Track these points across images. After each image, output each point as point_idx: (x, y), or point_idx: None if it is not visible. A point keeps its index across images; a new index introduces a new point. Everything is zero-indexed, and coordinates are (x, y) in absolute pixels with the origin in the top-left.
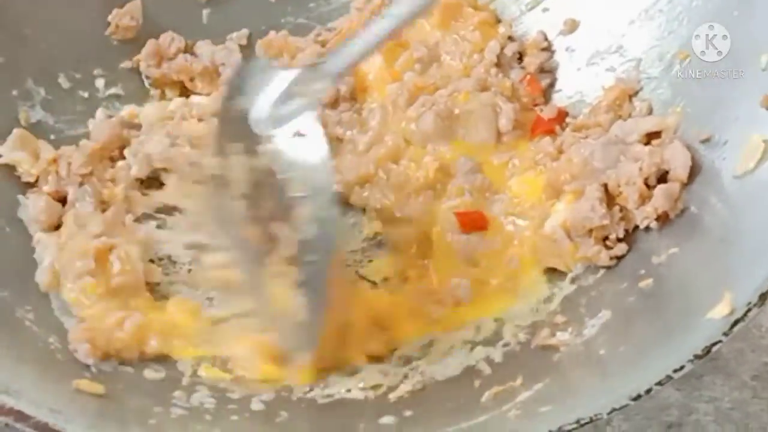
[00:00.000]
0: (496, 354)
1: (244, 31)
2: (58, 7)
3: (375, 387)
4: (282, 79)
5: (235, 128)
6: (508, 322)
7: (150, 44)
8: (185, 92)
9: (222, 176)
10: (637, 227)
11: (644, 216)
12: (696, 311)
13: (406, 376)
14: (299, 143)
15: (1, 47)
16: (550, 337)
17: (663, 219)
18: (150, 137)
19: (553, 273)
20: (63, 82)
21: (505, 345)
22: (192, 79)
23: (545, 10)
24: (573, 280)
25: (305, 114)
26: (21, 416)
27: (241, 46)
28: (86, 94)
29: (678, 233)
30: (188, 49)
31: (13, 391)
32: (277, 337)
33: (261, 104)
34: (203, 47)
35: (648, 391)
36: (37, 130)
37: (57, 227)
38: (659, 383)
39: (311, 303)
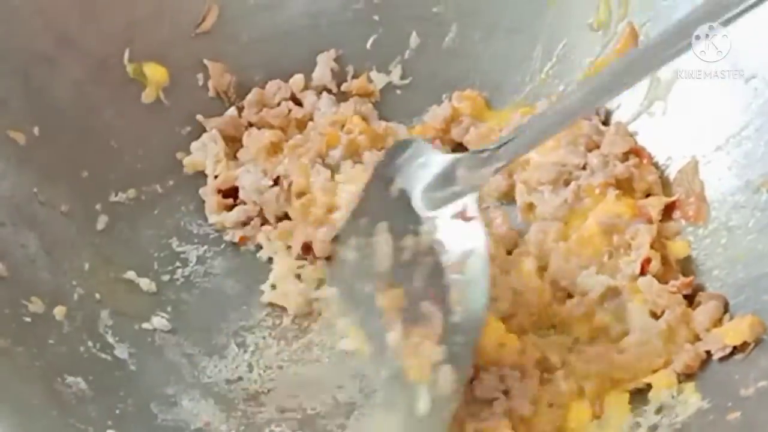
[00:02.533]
0: None
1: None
2: (144, 120)
3: None
4: (443, 161)
5: (388, 205)
6: None
7: (255, 92)
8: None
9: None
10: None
11: (717, 347)
12: None
13: None
14: (459, 226)
15: (87, 160)
16: None
17: (744, 349)
18: None
19: (637, 398)
20: (143, 195)
21: None
22: (286, 127)
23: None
24: (658, 410)
25: (467, 197)
26: None
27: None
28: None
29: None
30: (292, 97)
31: None
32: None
33: (421, 184)
34: (310, 96)
35: None
36: (116, 241)
37: None
38: None
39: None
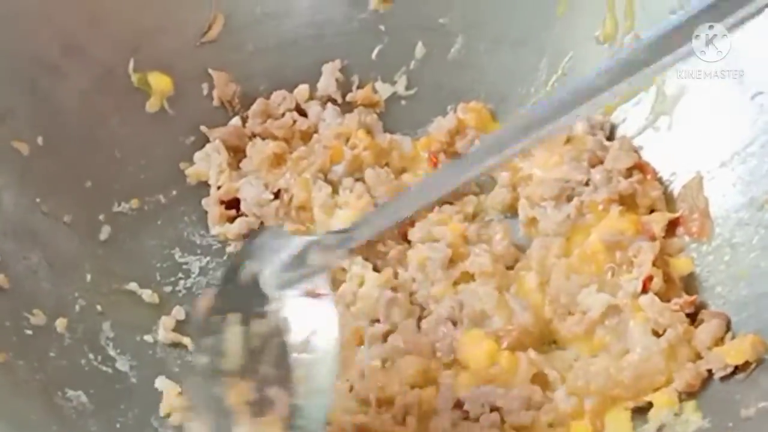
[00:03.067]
0: None
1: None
2: (148, 129)
3: None
4: (297, 245)
5: (239, 294)
6: None
7: (259, 103)
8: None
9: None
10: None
11: (719, 366)
12: None
13: None
14: (308, 305)
15: (91, 170)
16: None
17: (746, 368)
18: None
19: (638, 416)
20: (146, 206)
21: None
22: (290, 138)
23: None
24: (659, 429)
25: (318, 276)
26: None
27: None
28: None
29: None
30: (297, 108)
31: None
32: None
33: (272, 266)
34: (314, 107)
35: None
36: (119, 252)
37: None
38: None
39: None
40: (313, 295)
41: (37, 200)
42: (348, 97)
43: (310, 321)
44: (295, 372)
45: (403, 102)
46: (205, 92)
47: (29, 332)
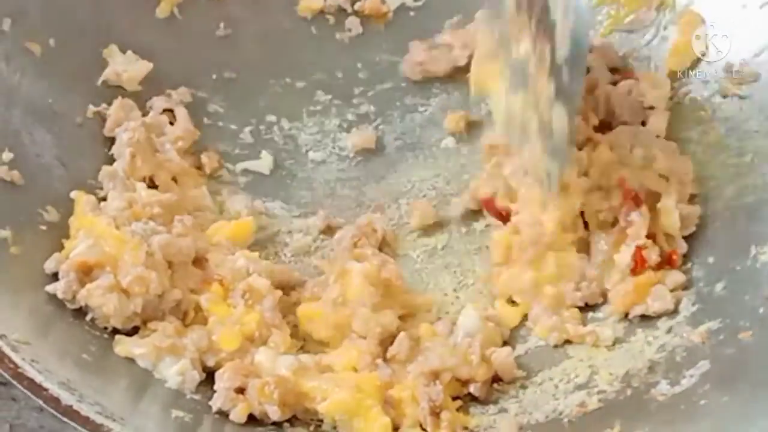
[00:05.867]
0: (591, 401)
1: None
2: (158, 34)
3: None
4: None
5: None
6: (601, 369)
7: None
8: None
9: None
10: None
11: None
12: None
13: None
14: None
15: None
16: (646, 386)
17: None
18: None
19: (647, 320)
20: None
21: (600, 392)
22: None
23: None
24: (669, 330)
25: None
26: None
27: None
28: None
29: None
30: None
31: None
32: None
33: None
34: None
35: None
36: None
37: None
38: None
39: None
40: None
41: (50, 101)
42: (356, 6)
43: None
44: (557, 29)
45: (411, 12)
46: None
47: (44, 228)
